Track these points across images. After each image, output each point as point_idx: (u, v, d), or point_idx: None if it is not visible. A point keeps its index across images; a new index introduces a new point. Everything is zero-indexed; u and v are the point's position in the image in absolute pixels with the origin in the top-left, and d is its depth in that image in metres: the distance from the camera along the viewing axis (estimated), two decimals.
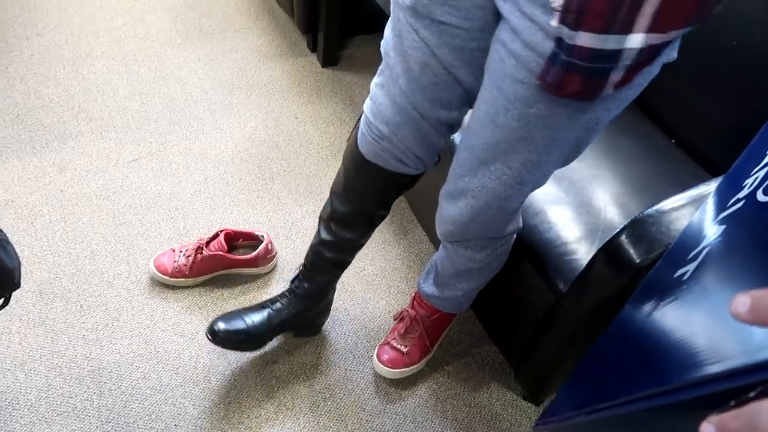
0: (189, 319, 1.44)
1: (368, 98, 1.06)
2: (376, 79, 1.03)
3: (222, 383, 1.35)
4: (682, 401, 0.47)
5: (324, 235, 1.24)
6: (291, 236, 1.63)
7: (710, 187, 0.97)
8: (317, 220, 1.36)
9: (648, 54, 0.72)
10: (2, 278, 0.91)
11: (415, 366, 1.39)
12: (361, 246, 1.28)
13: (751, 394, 0.38)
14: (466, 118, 1.01)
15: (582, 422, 0.70)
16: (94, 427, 1.26)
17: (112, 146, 1.77)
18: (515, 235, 1.15)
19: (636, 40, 0.69)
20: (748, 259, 0.54)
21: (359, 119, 1.10)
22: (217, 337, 1.27)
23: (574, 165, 1.26)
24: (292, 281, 1.34)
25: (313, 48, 2.16)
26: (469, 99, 0.96)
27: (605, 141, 1.31)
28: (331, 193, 1.22)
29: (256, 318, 1.31)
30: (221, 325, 1.27)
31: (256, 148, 1.83)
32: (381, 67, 1.00)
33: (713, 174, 1.28)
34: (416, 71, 0.92)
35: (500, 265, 1.20)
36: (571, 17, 0.68)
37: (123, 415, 1.28)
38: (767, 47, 1.17)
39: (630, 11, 0.66)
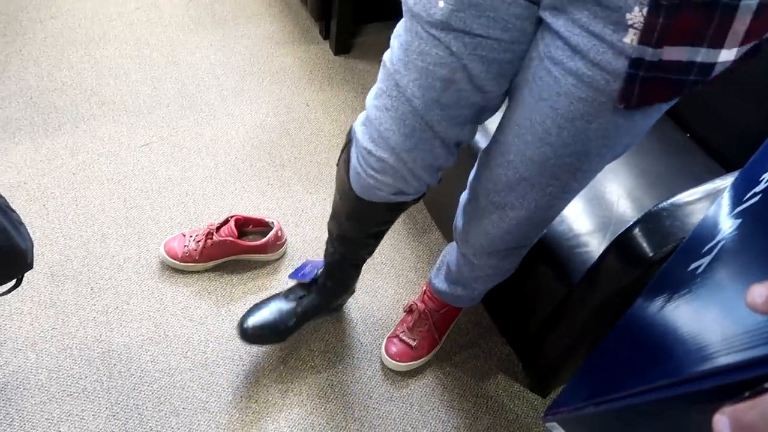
0: (198, 303, 1.45)
1: (360, 125, 0.96)
2: (375, 102, 0.93)
3: (230, 368, 1.35)
4: (694, 392, 0.47)
5: (338, 247, 1.24)
6: (301, 223, 1.63)
7: (726, 181, 0.96)
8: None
9: (744, 58, 0.68)
10: (15, 259, 0.91)
11: (422, 359, 1.39)
12: (375, 249, 1.27)
13: (766, 385, 0.37)
14: (491, 128, 0.97)
15: (591, 413, 0.70)
16: (103, 408, 1.27)
17: (123, 130, 1.78)
18: None
19: (729, 54, 0.65)
20: (763, 252, 0.53)
21: (347, 144, 1.01)
22: (246, 334, 1.27)
23: None
24: (317, 278, 1.33)
25: (325, 35, 2.16)
26: (481, 115, 0.91)
27: None
28: (334, 212, 1.18)
29: (283, 308, 1.31)
30: (250, 322, 1.28)
31: (267, 134, 1.83)
32: (381, 88, 0.91)
33: (728, 169, 1.27)
34: (438, 88, 0.84)
35: (518, 265, 1.18)
36: (655, 37, 0.64)
37: (132, 397, 1.29)
38: None
39: (719, 29, 0.63)
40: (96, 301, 1.42)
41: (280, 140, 1.82)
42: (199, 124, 1.83)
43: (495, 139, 0.93)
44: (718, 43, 0.64)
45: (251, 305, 1.33)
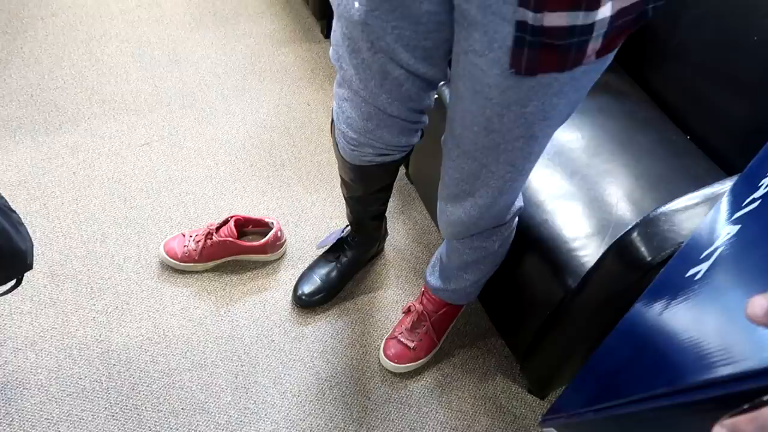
0: (198, 304, 1.45)
1: (335, 106, 1.05)
2: (338, 90, 1.01)
3: (229, 368, 1.36)
4: (693, 402, 0.47)
5: (354, 206, 1.35)
6: (300, 224, 1.63)
7: (725, 185, 0.96)
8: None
9: (626, 16, 0.70)
10: (15, 260, 0.91)
11: (421, 360, 1.39)
12: (388, 199, 1.36)
13: (765, 398, 0.37)
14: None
15: (590, 420, 0.70)
16: (102, 408, 1.27)
17: (124, 129, 1.78)
18: (518, 218, 1.16)
19: (606, 10, 0.68)
20: (762, 259, 0.53)
21: (333, 121, 1.10)
22: (302, 301, 1.45)
23: (587, 159, 1.25)
24: (346, 238, 1.49)
25: (326, 34, 2.15)
26: (433, 85, 0.96)
27: (620, 135, 1.30)
28: (341, 177, 1.27)
29: (327, 270, 1.48)
30: (304, 290, 1.46)
31: (268, 134, 1.83)
32: (338, 80, 0.99)
33: (728, 172, 1.27)
34: (378, 78, 0.91)
35: (505, 252, 1.20)
36: (533, 1, 0.67)
37: (131, 398, 1.29)
38: None
39: None
40: (96, 300, 1.42)
41: (280, 140, 1.82)
42: (199, 123, 1.83)
43: (449, 130, 0.96)
44: (595, 5, 0.67)
45: (299, 275, 1.50)
